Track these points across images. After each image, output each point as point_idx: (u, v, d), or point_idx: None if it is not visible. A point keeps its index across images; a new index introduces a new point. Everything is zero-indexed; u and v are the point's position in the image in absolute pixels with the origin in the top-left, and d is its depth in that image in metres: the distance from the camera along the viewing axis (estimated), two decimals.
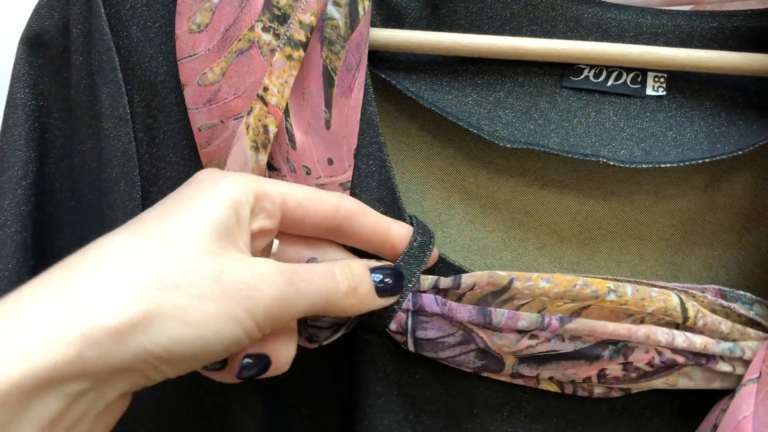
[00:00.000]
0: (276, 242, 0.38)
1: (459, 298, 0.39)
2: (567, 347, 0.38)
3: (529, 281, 0.38)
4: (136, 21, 0.39)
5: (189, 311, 0.30)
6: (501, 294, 0.39)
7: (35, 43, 0.41)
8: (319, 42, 0.38)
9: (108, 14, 0.39)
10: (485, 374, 0.41)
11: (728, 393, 0.40)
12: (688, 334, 0.38)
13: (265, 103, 0.37)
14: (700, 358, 0.39)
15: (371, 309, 0.37)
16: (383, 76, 0.41)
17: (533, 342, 0.38)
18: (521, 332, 0.38)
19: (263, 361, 0.35)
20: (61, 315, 0.28)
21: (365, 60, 0.38)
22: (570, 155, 0.40)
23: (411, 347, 0.40)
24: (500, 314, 0.38)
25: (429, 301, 0.39)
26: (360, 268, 0.37)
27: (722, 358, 0.39)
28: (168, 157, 0.40)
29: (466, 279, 0.39)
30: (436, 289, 0.39)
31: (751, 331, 0.40)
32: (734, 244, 0.43)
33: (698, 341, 0.38)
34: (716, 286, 0.40)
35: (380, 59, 0.42)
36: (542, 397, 0.42)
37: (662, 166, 0.39)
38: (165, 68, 0.39)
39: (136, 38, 0.39)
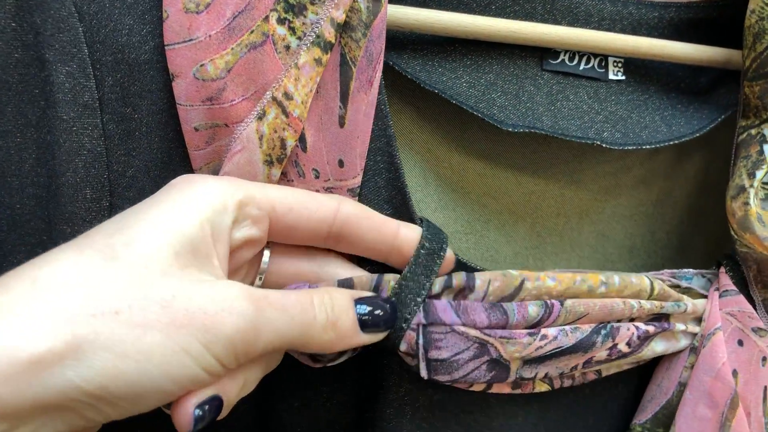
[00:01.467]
0: (267, 252, 0.33)
1: (477, 298, 0.37)
2: (570, 341, 0.39)
3: (538, 280, 0.38)
4: None
5: (128, 342, 0.25)
6: (513, 296, 0.37)
7: None
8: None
9: None
10: (494, 389, 0.40)
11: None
12: (644, 301, 0.42)
13: (286, 113, 0.31)
14: (663, 323, 0.42)
15: (354, 346, 0.33)
16: None
17: (542, 343, 0.38)
18: (531, 334, 0.38)
19: (215, 402, 0.29)
20: None
21: (383, 50, 0.34)
22: (565, 137, 0.40)
23: (424, 373, 0.36)
24: (511, 309, 0.37)
25: (443, 307, 0.36)
26: (342, 298, 0.33)
27: (673, 316, 0.43)
28: (151, 154, 0.32)
29: (481, 278, 0.36)
30: (448, 289, 0.37)
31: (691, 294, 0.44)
32: (652, 217, 0.48)
33: (656, 303, 0.42)
34: (669, 270, 0.44)
35: None
36: (541, 395, 0.43)
37: (643, 147, 0.41)
38: (151, 44, 0.30)
39: (108, 3, 0.30)
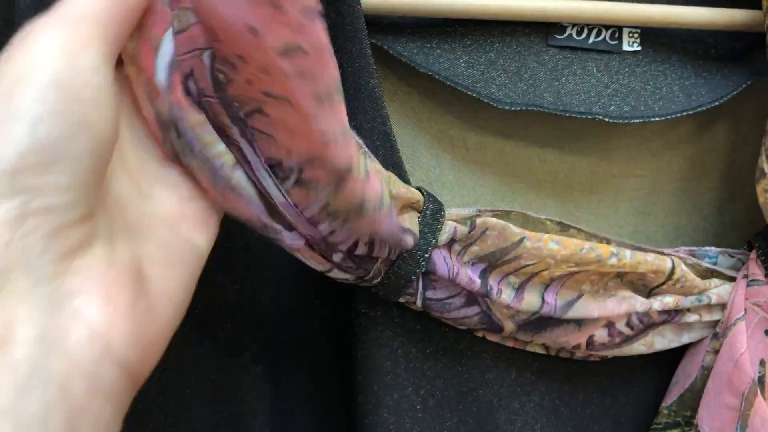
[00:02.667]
0: None
1: (467, 247, 0.38)
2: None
3: (539, 242, 0.38)
4: None
5: None
6: (508, 252, 0.38)
7: None
8: None
9: None
10: (490, 336, 0.41)
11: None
12: (659, 297, 0.40)
13: None
14: (673, 315, 0.41)
15: None
16: (373, 41, 0.39)
17: None
18: None
19: None
20: None
21: None
22: (567, 114, 0.40)
23: (419, 304, 0.39)
24: (501, 293, 0.38)
25: (438, 260, 0.38)
26: None
27: (689, 310, 0.42)
28: None
29: (480, 222, 0.38)
30: (451, 241, 0.38)
31: (715, 280, 0.42)
32: (692, 191, 0.46)
33: (670, 300, 0.40)
34: (687, 248, 0.42)
35: (368, 23, 0.40)
36: (539, 357, 0.43)
37: (651, 120, 0.41)
38: None
39: None
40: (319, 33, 0.28)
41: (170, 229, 0.31)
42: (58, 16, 0.27)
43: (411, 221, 0.37)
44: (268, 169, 0.31)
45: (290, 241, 0.34)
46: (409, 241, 0.36)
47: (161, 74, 0.29)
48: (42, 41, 0.26)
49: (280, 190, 0.31)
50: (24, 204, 0.25)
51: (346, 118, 0.30)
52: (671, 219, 0.46)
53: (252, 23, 0.28)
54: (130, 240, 0.29)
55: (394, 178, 0.36)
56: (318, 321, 0.41)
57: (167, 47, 0.29)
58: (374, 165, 0.34)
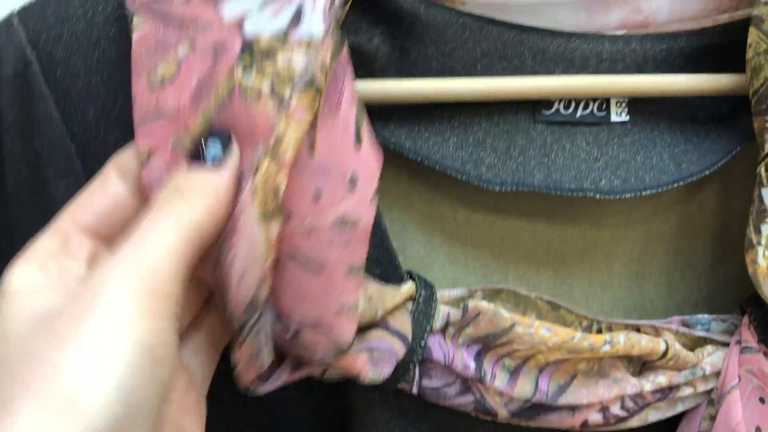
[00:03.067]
0: None
1: (461, 330, 0.38)
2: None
3: (530, 328, 0.38)
4: (92, 102, 0.34)
5: None
6: (500, 336, 0.39)
7: None
8: None
9: (55, 96, 0.34)
10: (484, 417, 0.41)
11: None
12: (651, 377, 0.41)
13: (278, 160, 0.31)
14: (667, 393, 0.41)
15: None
16: None
17: None
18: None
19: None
20: None
21: (351, 75, 0.34)
22: (557, 192, 0.40)
23: (415, 391, 0.39)
24: (495, 378, 0.38)
25: (434, 345, 0.38)
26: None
27: (684, 384, 0.42)
28: None
29: (471, 306, 0.38)
30: (446, 324, 0.39)
31: (708, 347, 0.42)
32: (684, 251, 0.46)
33: (663, 379, 0.40)
34: (679, 317, 0.43)
35: None
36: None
37: (643, 194, 0.40)
38: None
39: (94, 122, 0.34)
40: (373, 213, 0.32)
41: None
42: (131, 267, 0.27)
43: (401, 320, 0.37)
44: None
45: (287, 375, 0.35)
46: (400, 350, 0.36)
47: None
48: (121, 300, 0.26)
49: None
50: None
51: (361, 293, 0.32)
52: (664, 278, 0.46)
53: (319, 189, 0.30)
54: None
55: (387, 294, 0.36)
56: (309, 414, 0.41)
57: None
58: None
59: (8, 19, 0.34)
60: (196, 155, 0.31)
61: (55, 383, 0.24)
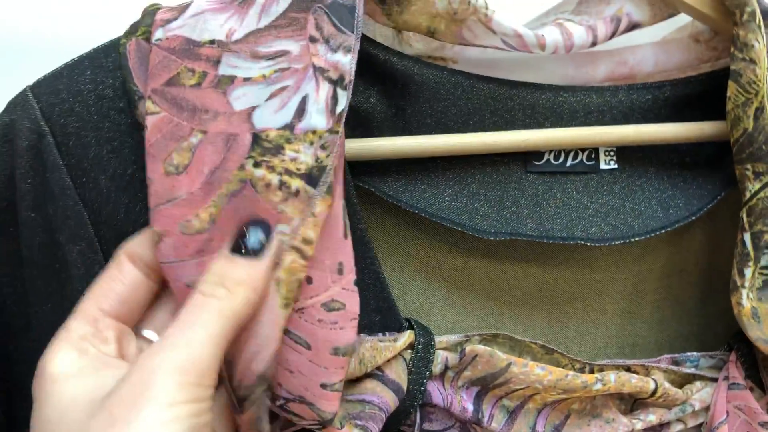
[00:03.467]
0: None
1: (459, 373, 0.40)
2: None
3: (526, 367, 0.40)
4: (103, 170, 0.35)
5: None
6: (497, 377, 0.40)
7: None
8: None
9: (68, 165, 0.35)
10: None
11: None
12: (642, 415, 0.42)
13: (305, 257, 0.34)
14: (657, 430, 0.43)
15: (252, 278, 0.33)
16: (360, 183, 0.41)
17: None
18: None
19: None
20: None
21: (342, 167, 0.36)
22: (549, 240, 0.42)
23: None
24: (492, 420, 0.40)
25: (433, 391, 0.40)
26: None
27: (674, 420, 0.43)
28: None
29: (468, 349, 0.40)
30: (444, 368, 0.40)
31: (697, 383, 0.44)
32: (674, 287, 0.48)
33: (653, 417, 0.42)
34: (668, 356, 0.44)
35: (353, 165, 0.41)
36: None
37: (632, 240, 0.42)
38: (146, 218, 0.36)
39: (105, 189, 0.36)
40: (357, 300, 0.35)
41: None
42: (177, 358, 0.30)
43: (397, 370, 0.39)
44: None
45: None
46: (393, 403, 0.38)
47: None
48: (168, 388, 0.29)
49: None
50: None
51: (344, 376, 0.34)
52: (656, 315, 0.48)
53: (311, 276, 0.34)
54: None
55: (382, 350, 0.38)
56: None
57: None
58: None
59: (23, 94, 0.36)
60: (237, 243, 0.33)
61: None
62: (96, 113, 0.36)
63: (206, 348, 0.30)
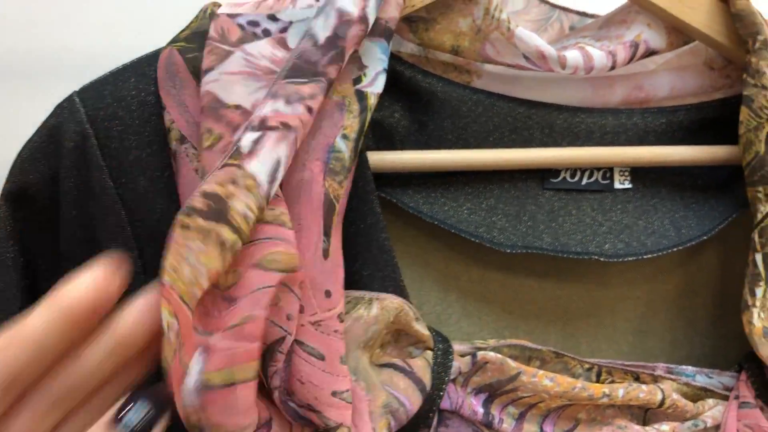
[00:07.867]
0: None
1: (469, 378, 0.41)
2: None
3: (534, 377, 0.41)
4: (142, 172, 0.38)
5: None
6: (506, 383, 0.41)
7: (19, 198, 0.39)
8: (323, 172, 0.38)
9: (109, 166, 0.37)
10: None
11: None
12: (656, 426, 0.43)
13: (296, 295, 0.36)
14: None
15: None
16: (383, 194, 0.42)
17: None
18: None
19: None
20: None
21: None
22: (564, 255, 0.43)
23: None
24: (503, 423, 0.41)
25: (446, 398, 0.41)
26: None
27: None
28: None
29: (480, 356, 0.41)
30: (457, 374, 0.42)
31: (709, 401, 0.45)
32: (686, 308, 0.49)
33: (666, 428, 0.43)
34: (664, 364, 0.45)
35: (377, 177, 0.43)
36: None
37: (645, 257, 0.44)
38: None
39: (144, 189, 0.38)
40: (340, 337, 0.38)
41: None
42: None
43: (423, 369, 0.40)
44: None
45: None
46: (416, 402, 0.39)
47: None
48: None
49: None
50: None
51: (350, 385, 0.37)
52: (668, 335, 0.49)
53: (328, 288, 0.37)
54: None
55: (408, 314, 0.39)
56: None
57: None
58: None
59: (70, 98, 0.39)
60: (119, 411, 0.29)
61: None
62: (138, 118, 0.38)
63: None
